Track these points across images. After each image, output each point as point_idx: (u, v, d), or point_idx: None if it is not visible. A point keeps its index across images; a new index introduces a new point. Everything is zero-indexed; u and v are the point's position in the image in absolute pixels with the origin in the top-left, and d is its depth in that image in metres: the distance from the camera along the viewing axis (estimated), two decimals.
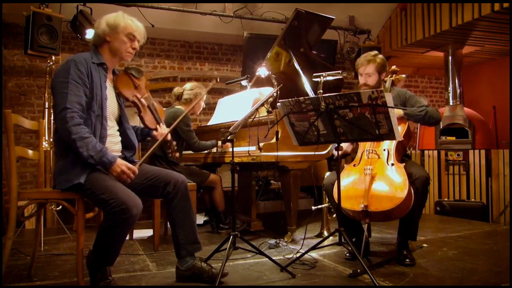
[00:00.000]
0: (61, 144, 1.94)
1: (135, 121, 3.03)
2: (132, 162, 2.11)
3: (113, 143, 2.09)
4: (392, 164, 2.40)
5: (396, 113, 2.43)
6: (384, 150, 2.48)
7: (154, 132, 2.28)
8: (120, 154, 2.12)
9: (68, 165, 1.91)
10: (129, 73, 2.18)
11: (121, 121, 2.16)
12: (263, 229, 3.47)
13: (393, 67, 2.82)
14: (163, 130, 2.28)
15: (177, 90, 3.54)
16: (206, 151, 3.59)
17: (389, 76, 2.78)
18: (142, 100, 2.20)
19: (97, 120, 1.96)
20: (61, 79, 1.89)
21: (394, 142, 2.48)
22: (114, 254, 1.96)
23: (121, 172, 1.89)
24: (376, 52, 2.74)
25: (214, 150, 3.48)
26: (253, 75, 3.69)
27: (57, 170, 1.96)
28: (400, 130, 2.41)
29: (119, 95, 2.14)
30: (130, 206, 1.80)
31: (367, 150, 2.54)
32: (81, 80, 1.90)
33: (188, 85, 3.52)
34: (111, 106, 2.08)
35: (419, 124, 5.68)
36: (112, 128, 2.09)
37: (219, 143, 3.42)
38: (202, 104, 3.56)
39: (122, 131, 2.16)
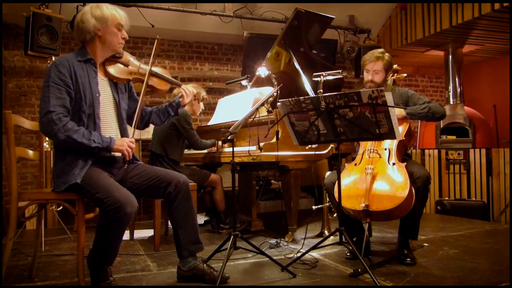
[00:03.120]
0: (60, 146, 1.94)
1: None
2: (133, 159, 2.11)
3: None
4: (393, 164, 2.39)
5: (398, 113, 2.43)
6: (386, 149, 2.48)
7: (181, 99, 2.25)
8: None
9: (65, 167, 1.91)
10: (110, 58, 2.09)
11: (117, 117, 2.12)
12: (264, 229, 3.47)
13: (395, 66, 2.82)
14: (188, 90, 2.24)
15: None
16: (206, 151, 3.61)
17: (391, 75, 2.78)
18: (141, 70, 2.14)
19: (89, 119, 1.95)
20: (44, 84, 1.90)
21: (395, 142, 2.47)
22: (112, 253, 1.95)
23: (126, 145, 1.93)
24: (383, 50, 2.74)
25: (215, 149, 3.49)
26: (253, 75, 3.69)
27: (55, 172, 1.97)
28: (401, 130, 2.41)
29: (118, 81, 2.10)
30: (124, 204, 1.80)
31: (368, 150, 2.54)
32: (63, 81, 1.88)
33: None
34: (106, 102, 2.04)
35: (419, 123, 5.69)
36: (111, 125, 2.07)
37: (219, 143, 3.43)
38: (201, 105, 3.58)
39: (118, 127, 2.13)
